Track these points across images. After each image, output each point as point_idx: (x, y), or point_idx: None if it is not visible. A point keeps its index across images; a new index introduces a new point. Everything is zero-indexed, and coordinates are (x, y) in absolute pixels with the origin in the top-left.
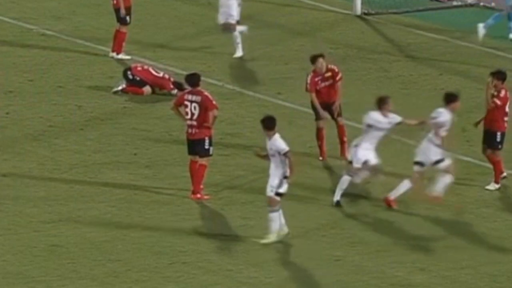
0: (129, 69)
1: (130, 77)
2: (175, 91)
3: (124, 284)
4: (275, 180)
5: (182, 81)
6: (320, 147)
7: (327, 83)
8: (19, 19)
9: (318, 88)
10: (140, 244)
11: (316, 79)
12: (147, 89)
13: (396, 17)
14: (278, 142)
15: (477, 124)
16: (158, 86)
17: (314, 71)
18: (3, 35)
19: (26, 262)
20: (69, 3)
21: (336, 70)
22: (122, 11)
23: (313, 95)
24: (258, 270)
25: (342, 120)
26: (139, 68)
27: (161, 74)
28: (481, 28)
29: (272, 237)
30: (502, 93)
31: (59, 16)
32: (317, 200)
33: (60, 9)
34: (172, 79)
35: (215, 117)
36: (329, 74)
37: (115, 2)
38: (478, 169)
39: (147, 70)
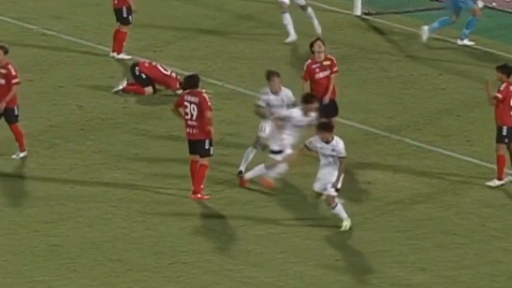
0: (137, 64)
1: (137, 73)
2: (180, 91)
3: (125, 284)
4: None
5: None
6: None
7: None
8: (19, 18)
9: (316, 78)
10: (140, 244)
11: (314, 66)
12: (148, 89)
13: (396, 17)
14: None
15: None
16: (165, 85)
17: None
18: (3, 35)
19: (27, 262)
20: (69, 2)
21: (334, 60)
22: (124, 11)
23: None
24: (258, 270)
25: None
26: (146, 65)
27: (168, 72)
28: (425, 31)
29: (347, 222)
30: (502, 86)
31: (59, 16)
32: (317, 200)
33: (60, 9)
34: (179, 78)
35: (209, 119)
36: (327, 62)
37: (116, 2)
38: (478, 169)
39: (155, 67)
